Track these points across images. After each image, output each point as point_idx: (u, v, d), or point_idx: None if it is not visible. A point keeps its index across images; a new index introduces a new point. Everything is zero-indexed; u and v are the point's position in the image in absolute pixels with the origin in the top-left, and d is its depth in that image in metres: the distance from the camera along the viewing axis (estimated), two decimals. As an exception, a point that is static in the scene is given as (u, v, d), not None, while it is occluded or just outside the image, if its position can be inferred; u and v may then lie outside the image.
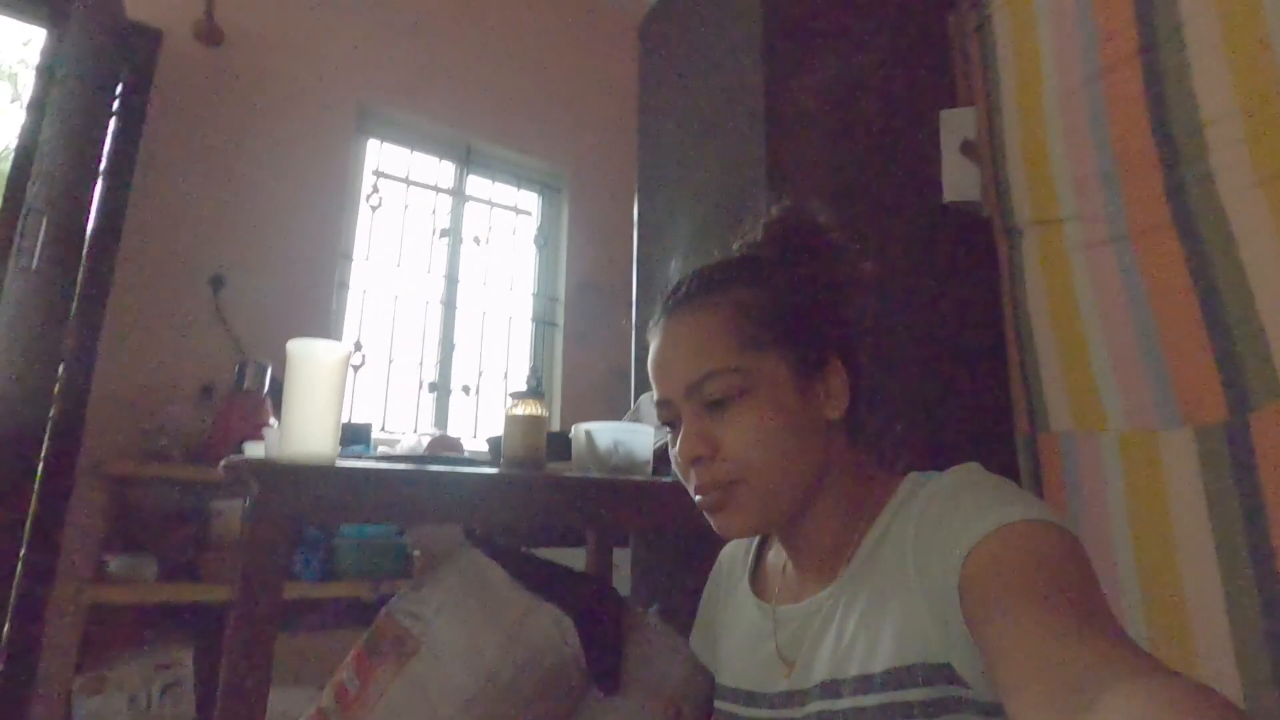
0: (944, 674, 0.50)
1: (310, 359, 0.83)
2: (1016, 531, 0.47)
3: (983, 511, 0.49)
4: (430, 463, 0.97)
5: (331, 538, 1.87)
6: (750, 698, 0.64)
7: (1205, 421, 0.90)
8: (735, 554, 0.78)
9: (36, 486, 1.68)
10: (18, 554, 1.64)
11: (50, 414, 1.72)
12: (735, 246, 0.70)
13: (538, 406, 1.04)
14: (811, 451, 0.59)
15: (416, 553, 1.98)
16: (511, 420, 1.02)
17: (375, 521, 1.77)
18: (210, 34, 2.15)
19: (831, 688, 0.55)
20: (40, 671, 1.61)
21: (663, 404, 0.62)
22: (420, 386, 2.49)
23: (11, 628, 1.61)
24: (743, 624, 0.69)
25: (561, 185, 2.92)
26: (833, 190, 1.31)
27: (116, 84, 1.89)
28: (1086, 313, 1.06)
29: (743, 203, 1.32)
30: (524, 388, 2.09)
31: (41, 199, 1.39)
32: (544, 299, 2.83)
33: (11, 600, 1.61)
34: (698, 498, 0.60)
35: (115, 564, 1.58)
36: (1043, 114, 1.16)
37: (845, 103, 1.34)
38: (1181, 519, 0.91)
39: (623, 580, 1.65)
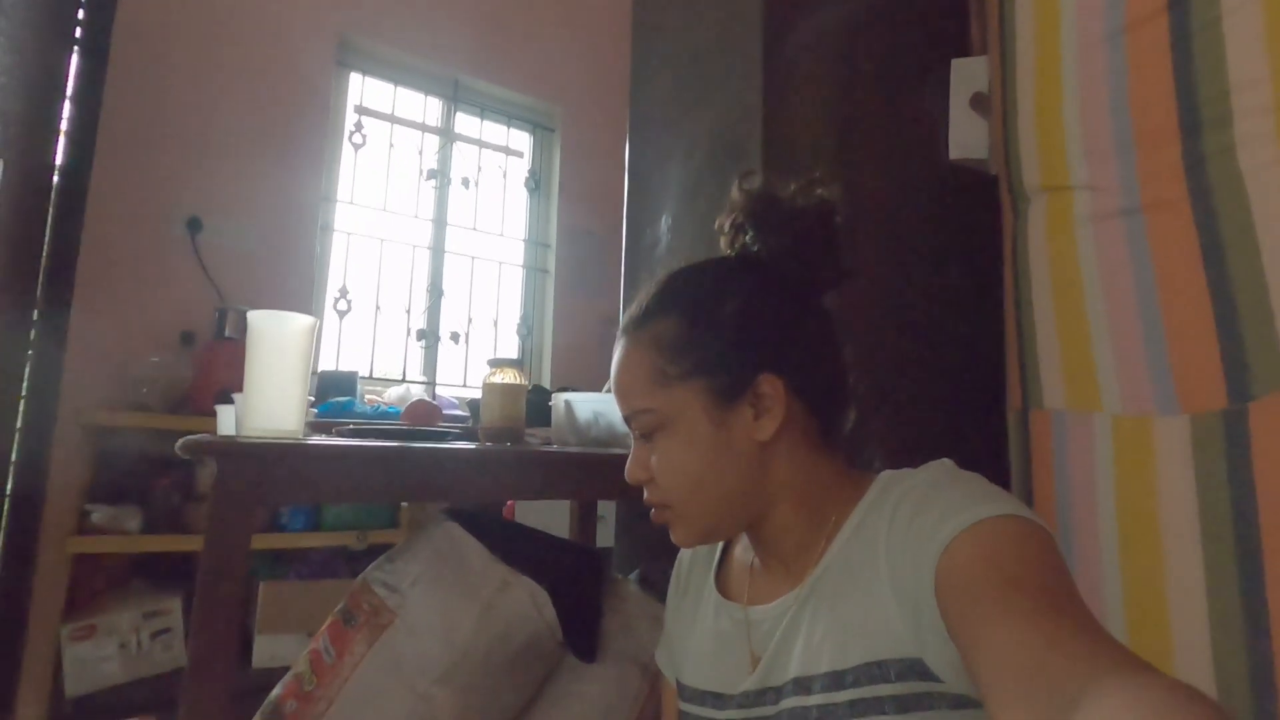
0: (916, 669, 0.50)
1: (273, 331, 0.80)
2: (990, 528, 0.47)
3: (956, 509, 0.49)
4: (404, 437, 0.94)
5: (318, 488, 1.87)
6: (719, 700, 0.63)
7: (1203, 409, 0.87)
8: (697, 553, 0.76)
9: (16, 437, 1.67)
10: (1, 507, 1.64)
11: (26, 364, 1.68)
12: (716, 226, 0.68)
13: (516, 375, 1.01)
14: (739, 475, 0.59)
15: (404, 504, 1.98)
16: (490, 389, 0.99)
17: (344, 502, 1.77)
18: (176, -45, 2.01)
19: (804, 684, 0.55)
20: (30, 620, 1.62)
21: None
22: (408, 334, 2.45)
23: (1, 579, 1.63)
24: (709, 624, 0.67)
25: (554, 125, 2.80)
26: (833, 143, 1.25)
27: (76, 11, 1.77)
28: (1090, 288, 1.01)
29: (736, 157, 1.26)
30: (502, 355, 2.05)
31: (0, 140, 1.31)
32: (535, 245, 2.76)
33: (-1, 549, 1.62)
34: (651, 511, 0.63)
35: (98, 515, 1.58)
36: (1059, 69, 1.08)
37: (848, 49, 1.26)
38: (1169, 506, 0.89)
39: (608, 529, 1.65)
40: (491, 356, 1.04)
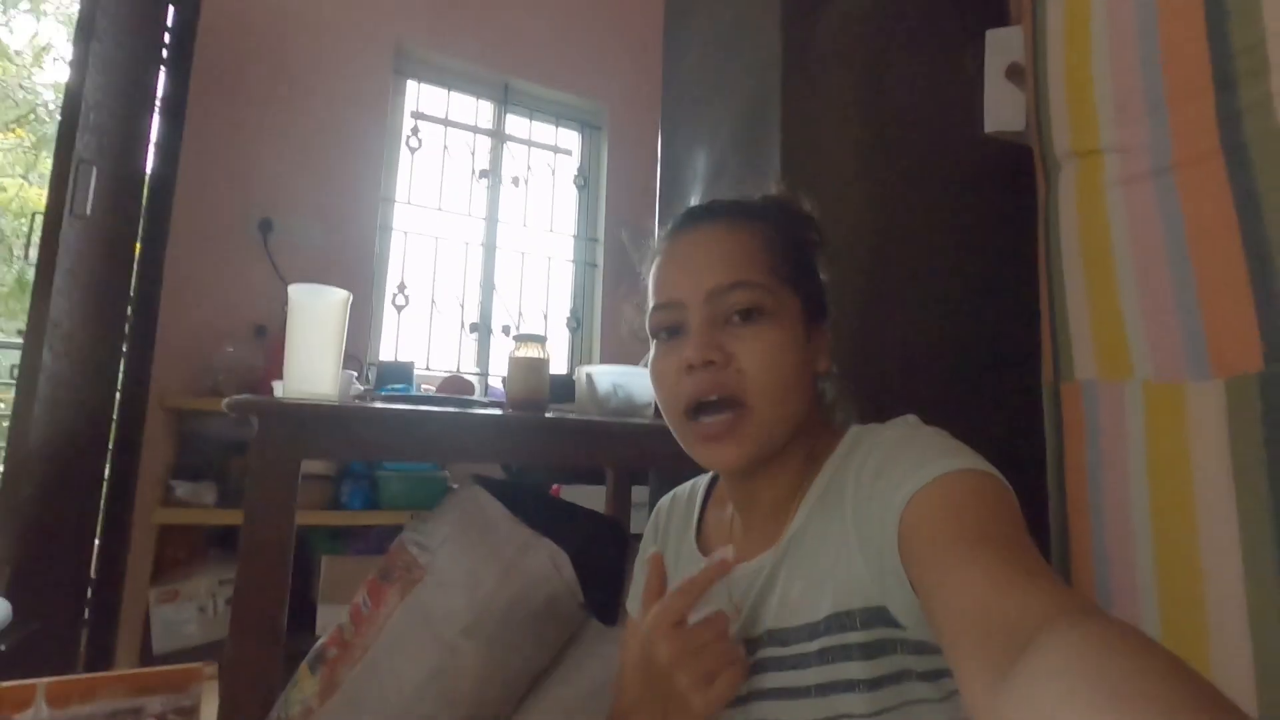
0: (880, 616, 0.51)
1: (309, 303, 0.87)
2: (950, 482, 0.48)
3: (920, 464, 0.50)
4: (434, 404, 1.01)
5: (375, 470, 1.99)
6: None
7: (1237, 372, 0.83)
8: (674, 510, 0.78)
9: (115, 419, 1.85)
10: (102, 481, 1.82)
11: (122, 354, 1.86)
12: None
13: (539, 349, 1.05)
14: (804, 392, 0.60)
15: (455, 486, 2.07)
16: (514, 363, 1.04)
17: (372, 459, 1.86)
18: (250, -23, 2.18)
19: (778, 636, 0.57)
20: (125, 583, 1.79)
21: (669, 306, 0.60)
22: (462, 327, 2.56)
23: (101, 546, 1.80)
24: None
25: (602, 123, 2.87)
26: (856, 120, 1.24)
27: (163, 32, 1.95)
28: (1120, 253, 0.98)
29: (757, 138, 1.27)
30: (528, 330, 2.10)
31: (92, 149, 1.47)
32: (584, 240, 2.83)
33: (100, 522, 1.80)
34: (692, 423, 0.58)
35: (181, 489, 1.73)
36: (1089, 29, 1.05)
37: (874, 22, 1.25)
38: (1203, 475, 0.85)
39: (642, 518, 1.69)
40: (518, 333, 1.09)
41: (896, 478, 0.50)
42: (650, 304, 0.63)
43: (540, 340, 1.06)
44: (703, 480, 0.79)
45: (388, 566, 1.04)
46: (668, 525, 0.78)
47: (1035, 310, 1.16)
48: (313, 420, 0.81)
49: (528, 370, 1.03)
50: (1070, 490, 1.04)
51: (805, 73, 1.23)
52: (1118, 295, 0.98)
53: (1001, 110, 1.27)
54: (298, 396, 0.84)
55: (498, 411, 0.96)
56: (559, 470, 1.94)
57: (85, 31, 1.39)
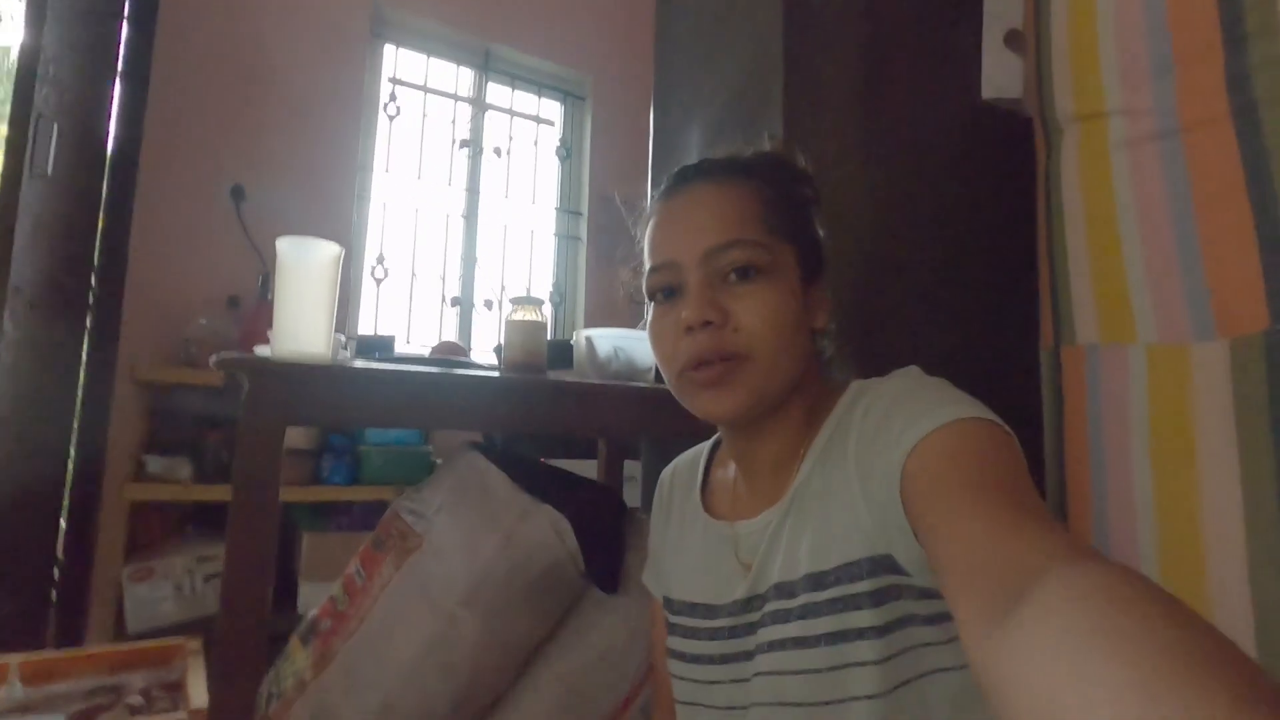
0: (886, 564, 0.52)
1: (300, 257, 0.83)
2: (954, 430, 0.48)
3: (923, 413, 0.50)
4: (431, 365, 0.97)
5: (357, 444, 1.94)
6: (710, 610, 0.65)
7: (1242, 332, 0.83)
8: (677, 478, 0.78)
9: (79, 392, 1.77)
10: (67, 456, 1.74)
11: (87, 322, 1.77)
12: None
13: (536, 313, 1.02)
14: (802, 348, 0.61)
15: (439, 461, 2.04)
16: (511, 326, 1.01)
17: (366, 426, 1.81)
18: (216, -70, 2.07)
19: (785, 589, 0.57)
20: (95, 562, 1.73)
21: (666, 267, 0.60)
22: (443, 301, 2.50)
23: (69, 523, 1.73)
24: (697, 542, 0.70)
25: (585, 94, 2.81)
26: (858, 84, 1.22)
27: (124, -15, 1.84)
28: (1124, 215, 0.98)
29: (758, 104, 1.24)
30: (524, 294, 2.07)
31: (51, 105, 1.38)
32: (567, 213, 2.78)
33: (66, 498, 1.73)
34: (691, 372, 0.58)
35: (153, 464, 1.67)
36: (1095, -8, 1.04)
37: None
38: (1206, 436, 0.86)
39: (634, 492, 1.68)
40: (514, 296, 1.05)
41: (898, 427, 0.51)
42: (646, 266, 0.63)
43: (538, 303, 1.02)
44: (706, 445, 0.79)
45: (381, 535, 1.01)
46: (671, 492, 0.79)
47: (1033, 275, 1.16)
48: (306, 380, 0.78)
49: (526, 333, 1.00)
50: (1070, 454, 1.05)
51: (808, 36, 1.21)
52: (1121, 258, 0.98)
53: (999, 77, 1.26)
54: (288, 357, 0.79)
55: (501, 374, 0.93)
56: (550, 440, 1.91)
57: (42, -25, 1.30)
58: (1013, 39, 1.26)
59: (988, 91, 1.25)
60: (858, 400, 0.59)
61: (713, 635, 0.65)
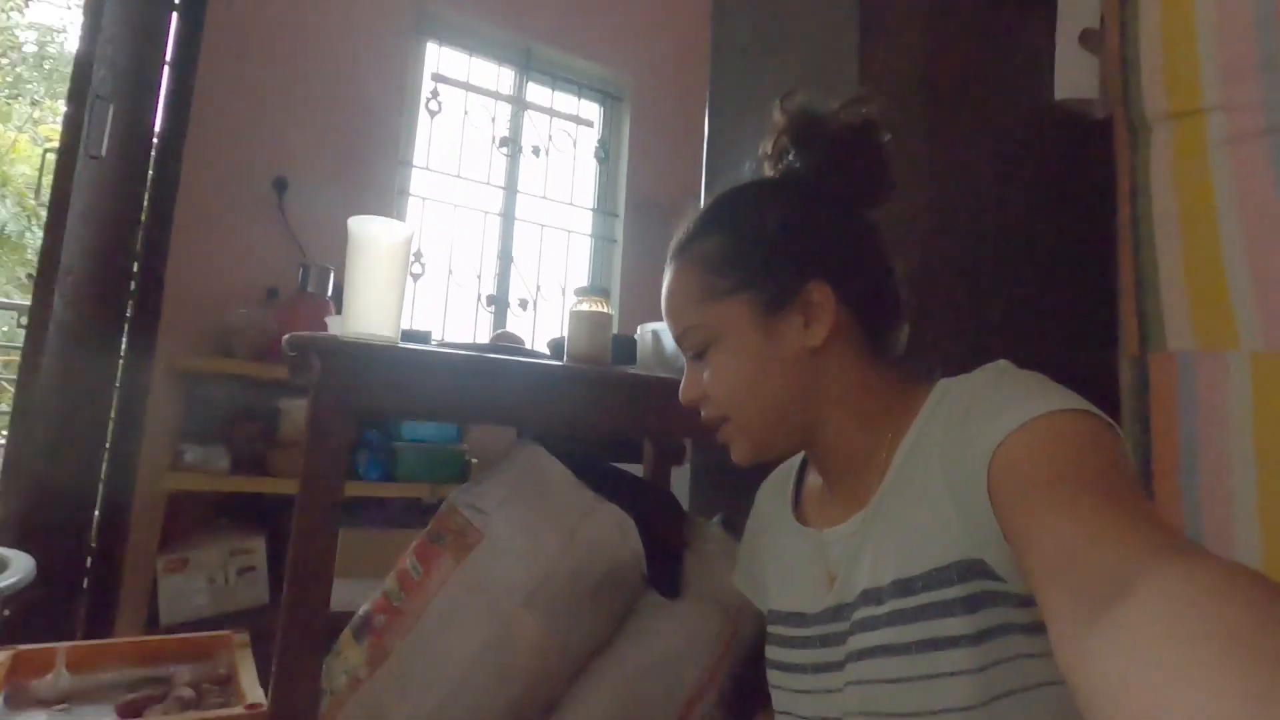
0: (978, 569, 0.50)
1: (373, 235, 0.80)
2: (1046, 423, 0.46)
3: (1011, 406, 0.48)
4: (494, 352, 0.94)
5: (392, 441, 1.91)
6: (803, 619, 0.64)
7: (1364, 339, 0.78)
8: (772, 490, 0.78)
9: (119, 378, 1.76)
10: (104, 445, 1.73)
11: (128, 308, 1.77)
12: (760, 152, 0.69)
13: (603, 304, 0.99)
14: (790, 384, 0.60)
15: (474, 460, 2.01)
16: (577, 317, 0.98)
17: (433, 416, 1.78)
18: (268, -77, 2.07)
19: (872, 595, 0.55)
20: (128, 551, 1.71)
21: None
22: (478, 299, 2.48)
23: (102, 512, 1.72)
24: (790, 551, 0.68)
25: (624, 95, 2.79)
26: (927, 84, 1.19)
27: (175, -26, 1.84)
28: (1225, 216, 0.93)
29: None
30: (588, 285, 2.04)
31: (107, 87, 1.37)
32: (604, 214, 2.75)
33: (100, 487, 1.71)
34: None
35: (190, 454, 1.65)
36: (1192, -13, 1.00)
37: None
38: (1319, 449, 0.81)
39: (680, 499, 1.63)
40: (577, 287, 1.02)
41: (985, 422, 0.48)
42: None
43: (604, 294, 0.99)
44: (798, 456, 0.77)
45: (438, 529, 0.97)
46: (768, 504, 0.78)
47: (1106, 279, 1.11)
48: (375, 363, 0.74)
49: (592, 325, 0.96)
50: (1158, 465, 0.99)
51: (878, 33, 1.18)
52: (1221, 261, 0.93)
53: (1073, 76, 1.22)
54: (359, 337, 0.76)
55: (581, 366, 0.89)
56: (589, 444, 1.87)
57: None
58: (1088, 37, 1.22)
59: (1061, 92, 1.21)
60: (944, 399, 0.57)
61: (805, 644, 0.63)
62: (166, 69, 1.86)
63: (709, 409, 0.63)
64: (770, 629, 0.69)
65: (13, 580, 0.76)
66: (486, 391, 0.82)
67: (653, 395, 0.92)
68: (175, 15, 1.91)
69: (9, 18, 5.32)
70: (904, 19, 1.22)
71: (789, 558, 0.68)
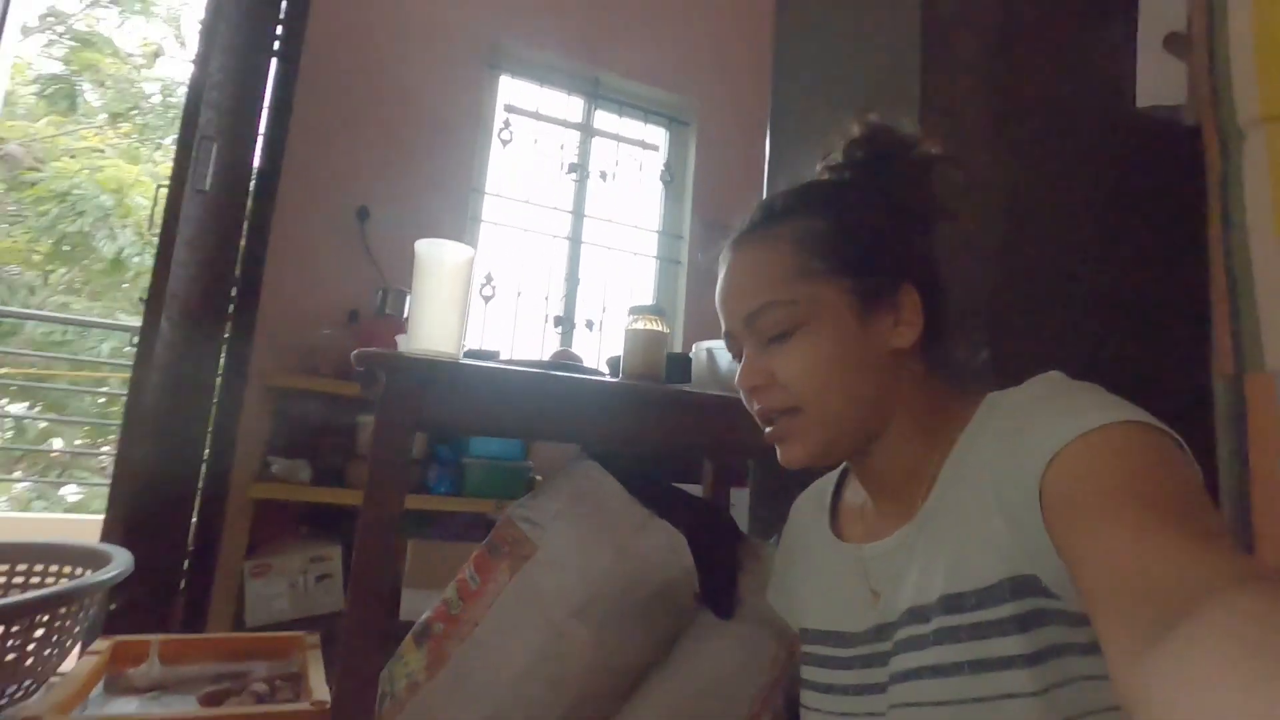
0: (1030, 586, 0.48)
1: (437, 258, 0.84)
2: (1101, 436, 0.44)
3: (1063, 418, 0.46)
4: (552, 369, 0.97)
5: (460, 457, 1.98)
6: (844, 638, 0.62)
7: None
8: (808, 505, 0.76)
9: (216, 393, 1.90)
10: (202, 455, 1.86)
11: (226, 329, 1.91)
12: (818, 168, 0.69)
13: (658, 323, 1.00)
14: (872, 381, 0.58)
15: (538, 477, 2.05)
16: (632, 335, 0.99)
17: (491, 430, 1.82)
18: (356, -27, 2.24)
19: (918, 613, 0.53)
20: (220, 555, 1.83)
21: (728, 336, 0.64)
22: (546, 320, 2.54)
23: (199, 518, 1.85)
24: (828, 569, 0.66)
25: (690, 120, 2.83)
26: (997, 94, 1.16)
27: (275, 24, 2.01)
28: (1328, 226, 0.86)
29: (890, 114, 1.19)
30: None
31: (212, 127, 1.51)
32: (669, 236, 2.79)
33: (198, 495, 1.84)
34: (765, 429, 0.61)
35: (276, 466, 1.76)
36: (1287, -15, 0.94)
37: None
38: None
39: (740, 521, 1.61)
40: (633, 305, 1.04)
41: (1039, 435, 0.46)
42: None
43: (660, 312, 1.00)
44: (837, 470, 0.76)
45: (496, 541, 1.00)
46: (802, 520, 0.76)
47: (1193, 295, 1.04)
48: (436, 377, 0.78)
49: (648, 343, 0.98)
50: (1257, 491, 0.92)
51: (944, 45, 1.16)
52: (1326, 274, 0.86)
53: (1158, 82, 1.16)
54: (421, 354, 0.80)
55: (635, 383, 0.91)
56: (648, 462, 1.88)
57: (213, 12, 1.43)
58: (1173, 41, 1.16)
59: (1143, 99, 1.15)
60: (993, 412, 0.55)
61: (847, 664, 0.61)
62: (265, 110, 2.02)
63: (775, 398, 0.58)
64: (806, 648, 0.67)
65: (114, 573, 0.83)
66: (540, 406, 0.85)
67: (706, 411, 0.92)
68: (275, 60, 2.07)
69: (140, 72, 6.01)
70: (968, 37, 1.19)
71: (827, 575, 0.66)
